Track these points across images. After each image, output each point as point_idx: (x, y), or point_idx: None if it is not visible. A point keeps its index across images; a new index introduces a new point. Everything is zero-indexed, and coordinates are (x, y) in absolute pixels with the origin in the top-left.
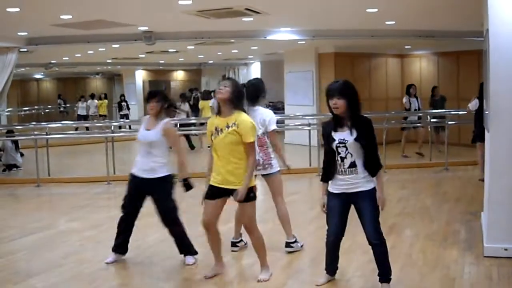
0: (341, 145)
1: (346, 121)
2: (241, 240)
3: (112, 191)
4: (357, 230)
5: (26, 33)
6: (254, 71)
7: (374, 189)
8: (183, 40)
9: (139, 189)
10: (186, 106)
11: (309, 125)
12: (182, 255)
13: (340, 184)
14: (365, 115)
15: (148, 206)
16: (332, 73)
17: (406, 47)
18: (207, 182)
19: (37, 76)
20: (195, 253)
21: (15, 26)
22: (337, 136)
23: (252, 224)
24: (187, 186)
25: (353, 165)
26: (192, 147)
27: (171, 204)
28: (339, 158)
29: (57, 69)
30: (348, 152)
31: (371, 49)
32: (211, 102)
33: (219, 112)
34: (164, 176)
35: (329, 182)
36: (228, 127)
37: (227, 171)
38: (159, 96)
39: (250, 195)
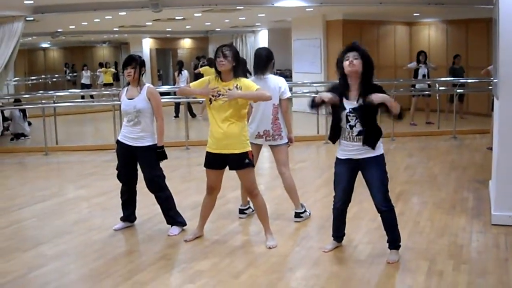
0: (351, 114)
1: (357, 88)
2: (249, 207)
3: None
4: (364, 197)
5: (32, 2)
6: (262, 38)
7: (381, 156)
8: (190, 7)
9: (127, 155)
10: (184, 74)
11: (316, 92)
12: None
13: (348, 150)
14: (377, 83)
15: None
16: (340, 41)
17: (415, 14)
18: None
19: (44, 45)
20: (184, 224)
21: None
22: (348, 105)
23: (253, 190)
24: (161, 154)
25: (361, 133)
26: (193, 115)
27: (157, 172)
28: (348, 126)
29: (63, 38)
30: (358, 121)
31: (380, 16)
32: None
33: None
34: (151, 145)
35: (338, 148)
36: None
37: (224, 133)
38: (135, 62)
39: (245, 162)
